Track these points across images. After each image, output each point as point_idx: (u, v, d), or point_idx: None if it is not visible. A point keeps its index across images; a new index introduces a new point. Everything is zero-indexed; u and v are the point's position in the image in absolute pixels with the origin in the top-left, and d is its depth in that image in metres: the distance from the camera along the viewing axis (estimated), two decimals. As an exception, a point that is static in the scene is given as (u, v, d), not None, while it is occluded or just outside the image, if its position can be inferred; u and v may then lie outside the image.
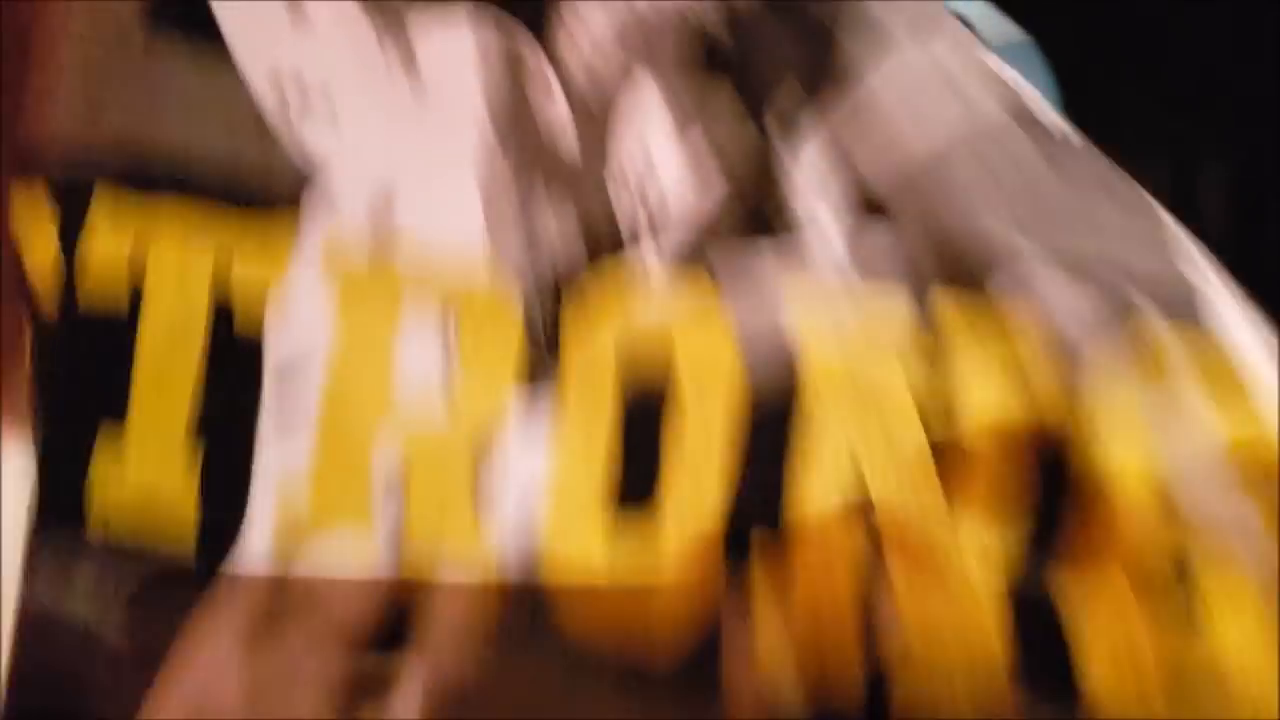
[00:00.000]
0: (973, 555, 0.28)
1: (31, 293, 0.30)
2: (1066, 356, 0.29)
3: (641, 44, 0.31)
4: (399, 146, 0.32)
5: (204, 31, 0.32)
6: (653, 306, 0.31)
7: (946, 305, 0.30)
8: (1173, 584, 0.28)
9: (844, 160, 0.31)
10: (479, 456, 0.30)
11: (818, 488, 0.28)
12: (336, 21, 0.32)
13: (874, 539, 0.28)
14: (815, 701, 0.28)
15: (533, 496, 0.30)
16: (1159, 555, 0.28)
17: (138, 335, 0.30)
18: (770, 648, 0.28)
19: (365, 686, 0.29)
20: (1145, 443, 0.28)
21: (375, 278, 0.31)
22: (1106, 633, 0.28)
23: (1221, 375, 0.29)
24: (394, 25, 0.32)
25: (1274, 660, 0.27)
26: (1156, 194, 0.32)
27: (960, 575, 0.28)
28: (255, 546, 0.29)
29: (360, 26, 0.32)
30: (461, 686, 0.28)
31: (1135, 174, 0.32)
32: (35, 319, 0.30)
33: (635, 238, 0.31)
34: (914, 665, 0.28)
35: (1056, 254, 0.30)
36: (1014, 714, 0.27)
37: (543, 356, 0.31)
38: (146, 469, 0.30)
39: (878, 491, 0.28)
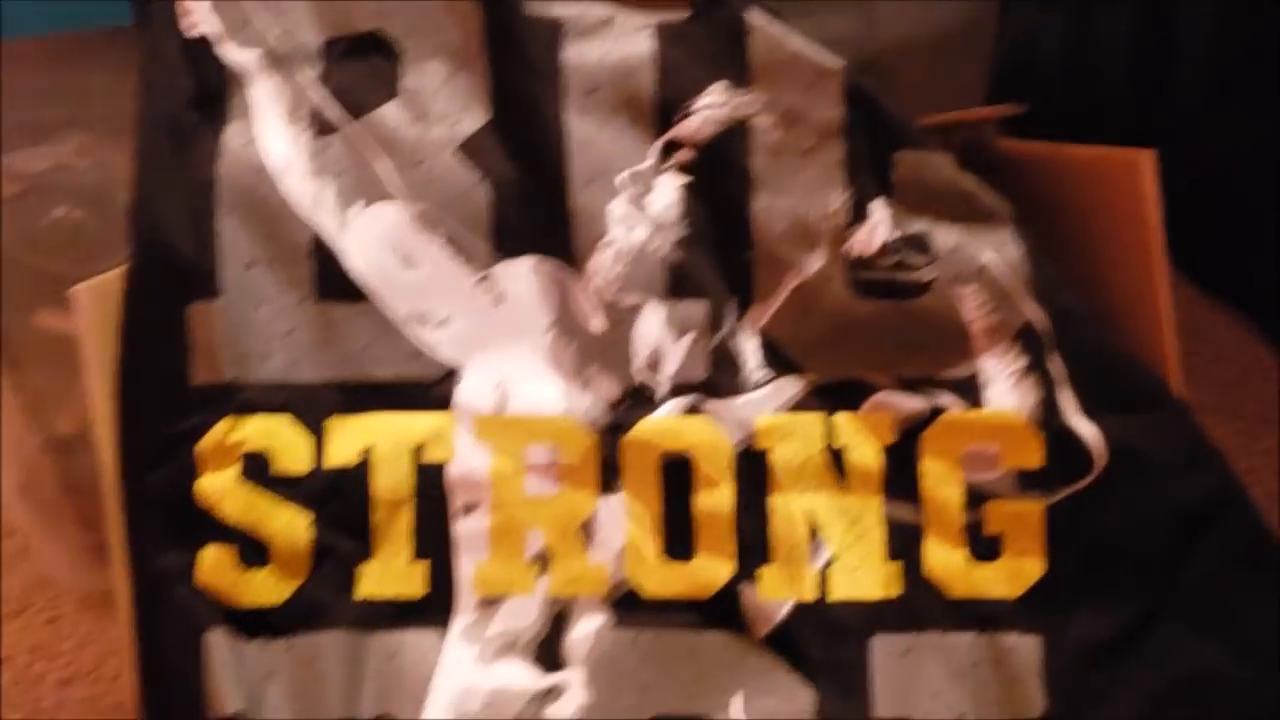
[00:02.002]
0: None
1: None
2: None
3: (642, 280, 0.49)
4: (500, 350, 0.50)
5: (352, 293, 0.50)
6: (670, 428, 0.48)
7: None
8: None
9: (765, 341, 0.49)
10: (585, 531, 0.48)
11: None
12: (441, 273, 0.50)
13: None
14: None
15: (618, 549, 0.48)
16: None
17: (370, 494, 0.48)
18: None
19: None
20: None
21: (506, 430, 0.49)
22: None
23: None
24: (484, 272, 0.50)
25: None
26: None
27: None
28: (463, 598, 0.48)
29: (462, 277, 0.50)
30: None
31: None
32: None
33: (652, 396, 0.49)
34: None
35: None
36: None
37: (611, 470, 0.49)
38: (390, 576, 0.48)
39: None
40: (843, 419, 0.48)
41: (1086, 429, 0.47)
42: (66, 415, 0.63)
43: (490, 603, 0.49)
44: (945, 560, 0.48)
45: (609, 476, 0.49)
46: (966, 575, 0.47)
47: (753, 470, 0.48)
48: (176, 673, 0.48)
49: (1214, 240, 0.74)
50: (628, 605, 0.48)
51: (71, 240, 0.61)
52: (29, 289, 0.63)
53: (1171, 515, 0.46)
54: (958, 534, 0.48)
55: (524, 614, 0.49)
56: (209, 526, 0.48)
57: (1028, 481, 0.47)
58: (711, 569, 0.48)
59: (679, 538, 0.48)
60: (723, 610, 0.48)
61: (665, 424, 0.49)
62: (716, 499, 0.48)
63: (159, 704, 0.48)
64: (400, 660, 0.48)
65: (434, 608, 0.49)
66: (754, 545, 0.48)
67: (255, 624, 0.49)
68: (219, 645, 0.47)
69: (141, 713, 0.49)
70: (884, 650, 0.47)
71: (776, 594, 0.47)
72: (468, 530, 0.49)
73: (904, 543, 0.48)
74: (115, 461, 0.50)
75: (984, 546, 0.47)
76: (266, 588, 0.48)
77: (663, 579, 0.48)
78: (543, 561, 0.49)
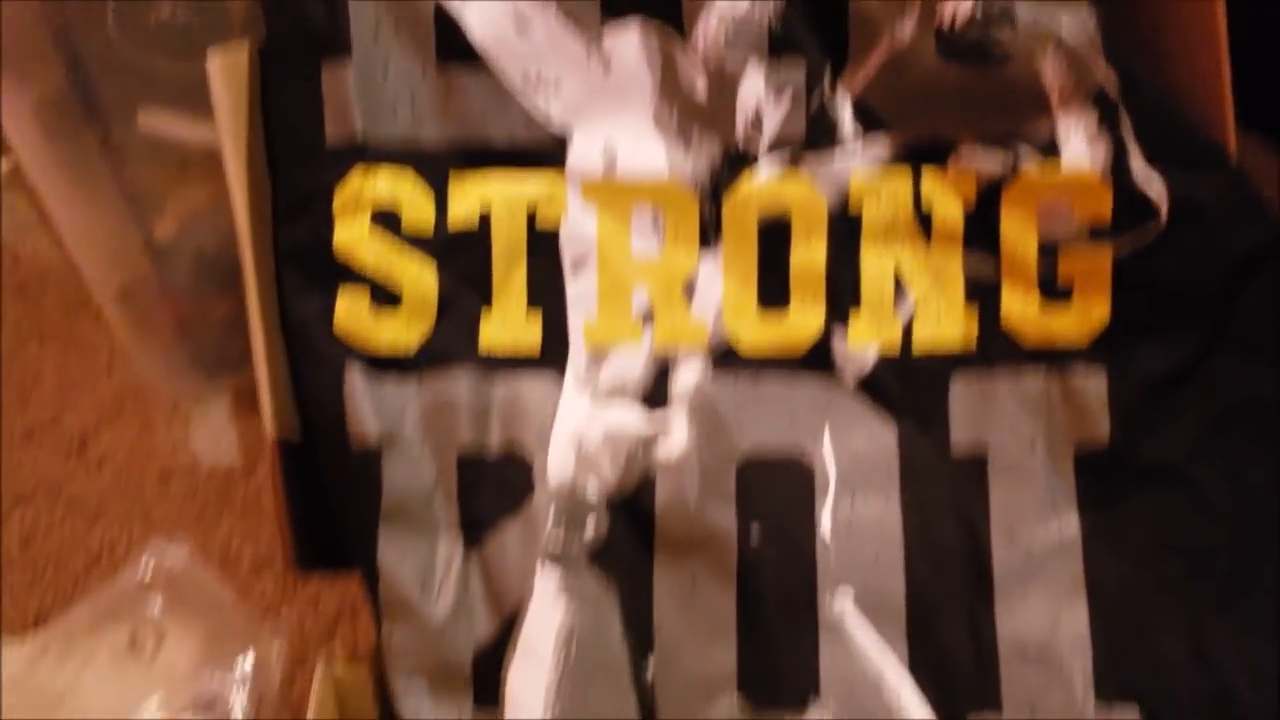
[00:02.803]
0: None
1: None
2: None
3: (744, 42, 0.52)
4: (608, 115, 0.53)
5: (471, 58, 0.53)
6: (769, 188, 0.52)
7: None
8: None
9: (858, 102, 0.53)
10: (686, 289, 0.52)
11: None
12: (553, 38, 0.53)
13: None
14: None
15: (717, 306, 0.52)
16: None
17: (489, 250, 0.52)
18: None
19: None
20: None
21: (613, 192, 0.52)
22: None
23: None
24: (593, 38, 0.53)
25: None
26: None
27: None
28: (575, 350, 0.52)
29: (572, 42, 0.53)
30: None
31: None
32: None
33: (753, 153, 0.53)
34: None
35: None
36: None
37: (712, 228, 0.52)
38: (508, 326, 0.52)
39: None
40: (929, 176, 0.52)
41: (1153, 184, 0.51)
42: (166, 219, 0.65)
43: (600, 354, 0.53)
44: (1020, 308, 0.52)
45: (710, 236, 0.53)
46: (1040, 321, 0.52)
47: (845, 225, 0.52)
48: (321, 413, 0.53)
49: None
50: (726, 357, 0.52)
51: (179, 39, 0.63)
52: (134, 89, 0.65)
53: (1227, 261, 0.50)
54: (1032, 283, 0.52)
55: (631, 364, 0.53)
56: (345, 275, 0.52)
57: (1098, 233, 0.51)
58: (805, 317, 0.52)
59: (775, 291, 0.52)
60: (815, 360, 0.52)
61: (764, 184, 0.53)
62: (811, 253, 0.52)
63: (310, 440, 0.53)
64: (523, 403, 0.53)
65: (549, 358, 0.53)
66: (845, 295, 0.52)
67: (389, 366, 0.53)
68: (358, 383, 0.52)
69: (283, 466, 0.54)
70: (961, 390, 0.52)
71: (865, 341, 0.52)
72: (577, 287, 0.53)
73: (982, 294, 0.52)
74: (250, 223, 0.54)
75: (1056, 294, 0.52)
76: (398, 332, 0.53)
77: (759, 332, 0.52)
78: (647, 317, 0.53)
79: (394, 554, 0.51)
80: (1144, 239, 0.51)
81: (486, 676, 0.51)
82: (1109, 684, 0.48)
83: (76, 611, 0.60)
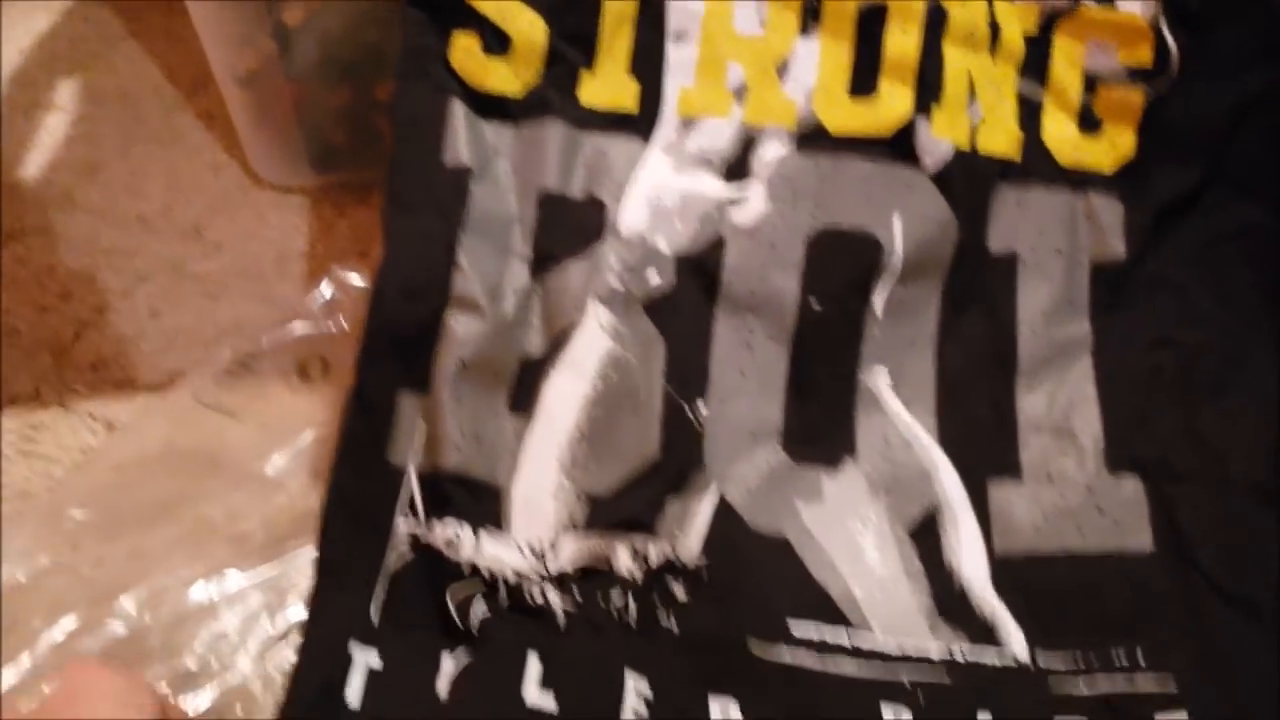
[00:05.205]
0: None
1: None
2: None
3: None
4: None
5: None
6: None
7: None
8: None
9: None
10: (780, 68, 0.57)
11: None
12: None
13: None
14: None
15: (809, 88, 0.57)
16: None
17: (599, 11, 0.56)
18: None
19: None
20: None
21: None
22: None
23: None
24: None
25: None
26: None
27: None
28: (667, 116, 0.56)
29: None
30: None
31: None
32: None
33: None
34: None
35: None
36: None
37: (812, 14, 0.57)
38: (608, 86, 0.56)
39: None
40: (1000, 3, 0.58)
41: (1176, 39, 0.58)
42: (294, 3, 0.63)
43: (690, 123, 0.57)
44: (1059, 131, 0.59)
45: (809, 20, 0.57)
46: (1075, 146, 0.59)
47: (936, 21, 0.57)
48: (419, 136, 0.55)
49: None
50: (813, 136, 0.57)
51: None
52: None
53: (1232, 103, 0.58)
54: (1073, 111, 0.58)
55: (719, 134, 0.57)
56: (462, 14, 0.55)
57: (1135, 74, 0.58)
58: (895, 101, 0.57)
59: (866, 77, 0.57)
60: (899, 145, 0.57)
61: None
62: (905, 43, 0.57)
63: (403, 159, 0.55)
64: (608, 158, 0.57)
65: (641, 120, 0.57)
66: (931, 87, 0.57)
67: (491, 109, 0.56)
68: (460, 113, 0.55)
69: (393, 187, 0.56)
70: (1005, 194, 0.58)
71: (944, 134, 0.57)
72: (677, 56, 0.57)
73: (1029, 115, 0.59)
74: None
75: (1091, 124, 0.59)
76: (505, 77, 0.56)
77: (848, 115, 0.57)
78: (740, 91, 0.58)
79: (470, 260, 0.55)
80: (1169, 85, 0.58)
81: (527, 385, 0.55)
82: (1116, 457, 0.55)
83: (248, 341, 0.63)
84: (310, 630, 0.51)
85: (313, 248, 0.70)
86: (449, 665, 0.49)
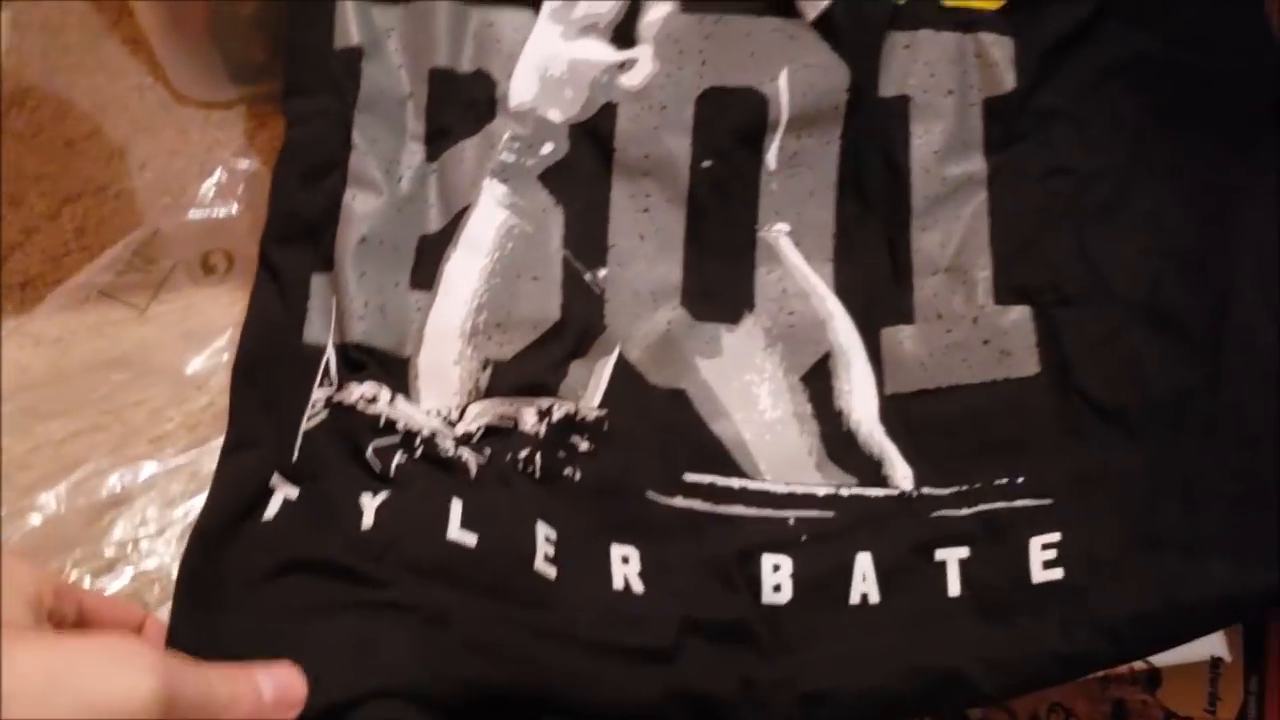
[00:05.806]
0: None
1: None
2: None
3: None
4: None
5: None
6: None
7: None
8: None
9: None
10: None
11: None
12: None
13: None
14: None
15: None
16: None
17: None
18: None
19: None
20: None
21: None
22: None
23: None
24: None
25: None
26: None
27: None
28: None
29: None
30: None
31: None
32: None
33: None
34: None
35: None
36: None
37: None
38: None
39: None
40: None
41: None
42: None
43: (574, -12, 0.58)
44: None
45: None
46: (958, -14, 0.59)
47: None
48: (310, 25, 0.56)
49: None
50: None
51: None
52: None
53: None
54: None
55: (603, 2, 0.57)
56: None
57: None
58: None
59: None
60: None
61: None
62: None
63: (296, 43, 0.56)
64: (496, 29, 0.57)
65: None
66: None
67: (377, -9, 0.57)
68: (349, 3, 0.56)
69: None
70: (893, 41, 0.58)
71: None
72: None
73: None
74: None
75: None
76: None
77: None
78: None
79: (365, 140, 0.55)
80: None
81: (427, 262, 0.55)
82: (1005, 288, 0.56)
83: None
84: (223, 470, 0.51)
85: (230, 166, 0.71)
86: (370, 501, 0.50)
